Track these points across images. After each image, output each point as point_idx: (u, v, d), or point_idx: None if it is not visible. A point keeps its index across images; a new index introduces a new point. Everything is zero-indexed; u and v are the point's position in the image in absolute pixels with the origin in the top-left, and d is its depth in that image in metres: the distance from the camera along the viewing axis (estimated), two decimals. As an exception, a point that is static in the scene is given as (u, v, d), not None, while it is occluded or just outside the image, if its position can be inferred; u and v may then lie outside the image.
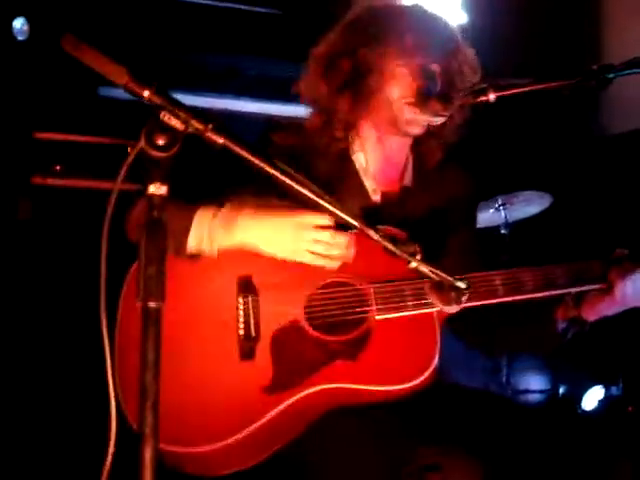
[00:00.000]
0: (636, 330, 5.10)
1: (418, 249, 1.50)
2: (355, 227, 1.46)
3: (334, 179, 2.20)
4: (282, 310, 1.99)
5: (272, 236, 1.96)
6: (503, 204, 4.83)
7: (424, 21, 2.22)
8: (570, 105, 5.63)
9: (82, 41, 1.30)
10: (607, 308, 2.02)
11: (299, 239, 1.93)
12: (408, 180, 2.33)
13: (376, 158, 2.29)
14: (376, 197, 2.27)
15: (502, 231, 4.98)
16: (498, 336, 2.24)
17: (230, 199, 2.03)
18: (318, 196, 1.42)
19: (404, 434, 1.90)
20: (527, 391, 6.00)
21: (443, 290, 1.57)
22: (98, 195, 4.04)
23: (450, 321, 2.10)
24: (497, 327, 2.20)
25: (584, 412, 5.55)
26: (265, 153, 1.43)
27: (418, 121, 2.17)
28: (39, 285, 3.97)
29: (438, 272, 1.49)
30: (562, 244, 5.59)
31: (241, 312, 1.99)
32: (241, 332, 1.98)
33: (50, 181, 4.26)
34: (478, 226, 4.96)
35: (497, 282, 2.02)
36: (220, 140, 1.37)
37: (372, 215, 2.19)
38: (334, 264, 1.96)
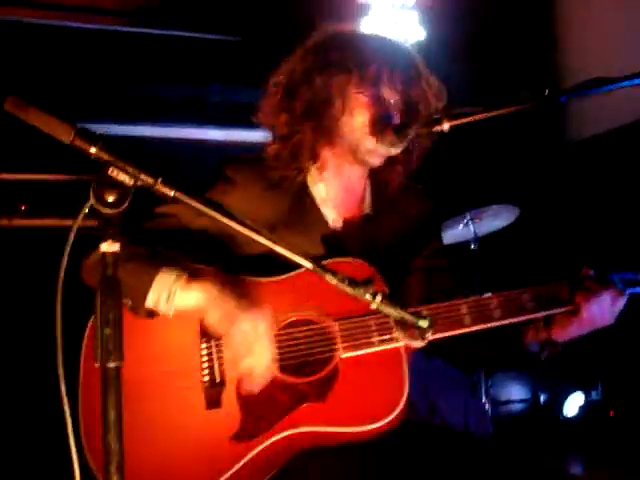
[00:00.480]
0: (612, 334, 5.12)
1: (380, 288, 1.48)
2: (311, 270, 1.43)
3: (294, 212, 2.17)
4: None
5: (224, 326, 1.88)
6: (472, 219, 4.84)
7: (386, 49, 2.18)
8: (534, 114, 5.68)
9: (25, 102, 1.28)
10: (576, 329, 2.02)
11: (238, 354, 1.87)
12: (368, 207, 2.29)
13: (336, 187, 2.24)
14: (337, 227, 2.22)
15: (472, 246, 4.98)
16: (472, 355, 2.22)
17: (194, 262, 2.00)
18: (272, 242, 1.40)
19: (381, 474, 1.87)
20: (509, 402, 6.01)
21: (407, 326, 1.55)
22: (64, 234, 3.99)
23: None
24: (470, 347, 2.18)
25: (566, 419, 5.56)
26: (216, 203, 1.41)
27: (378, 151, 2.14)
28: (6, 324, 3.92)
29: (400, 311, 1.47)
30: (532, 255, 5.62)
31: (205, 358, 1.95)
32: (205, 379, 1.93)
33: (16, 222, 4.21)
34: (448, 242, 5.06)
35: (463, 311, 2.00)
36: (171, 193, 1.35)
37: (334, 246, 2.15)
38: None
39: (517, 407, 6.07)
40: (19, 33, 5.04)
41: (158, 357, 1.95)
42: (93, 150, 1.32)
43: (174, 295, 1.88)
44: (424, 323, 1.48)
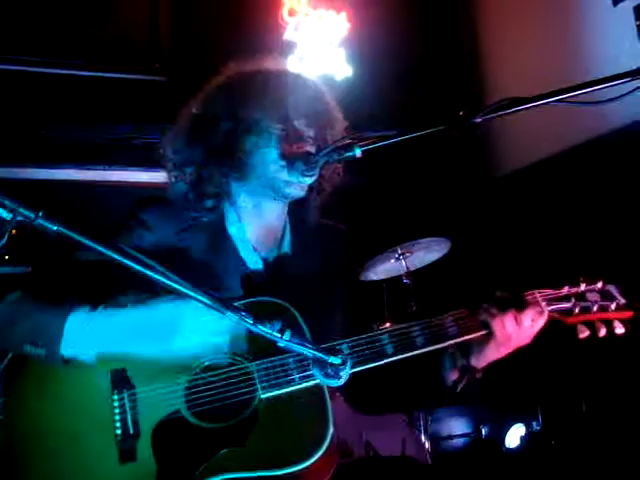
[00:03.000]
0: (549, 365, 5.16)
1: (290, 326, 1.40)
2: (221, 311, 1.35)
3: (212, 254, 2.11)
4: (161, 402, 1.85)
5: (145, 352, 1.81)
6: (402, 253, 4.81)
7: (295, 86, 2.15)
8: (458, 147, 5.76)
9: None
10: (494, 351, 1.99)
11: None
12: (287, 246, 2.24)
13: (254, 227, 2.19)
14: (256, 267, 2.17)
15: (405, 281, 4.95)
16: (389, 399, 2.18)
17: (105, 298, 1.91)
18: (173, 281, 1.31)
19: None
20: (450, 437, 5.96)
21: (322, 364, 1.47)
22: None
23: (344, 392, 2.01)
24: (386, 390, 2.14)
25: (508, 450, 5.54)
26: (105, 239, 1.31)
27: (294, 182, 2.09)
28: None
29: (310, 348, 1.39)
30: (466, 285, 5.63)
31: (117, 410, 1.84)
32: (118, 432, 1.82)
33: None
34: (380, 277, 5.03)
35: (385, 342, 1.93)
36: (53, 227, 1.24)
37: (254, 287, 2.10)
38: None
39: (459, 442, 6.03)
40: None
41: (69, 410, 1.84)
42: (-35, 183, 1.21)
43: (90, 343, 1.81)
44: (336, 360, 1.41)
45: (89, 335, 1.80)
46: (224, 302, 1.36)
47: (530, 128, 4.90)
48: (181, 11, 5.86)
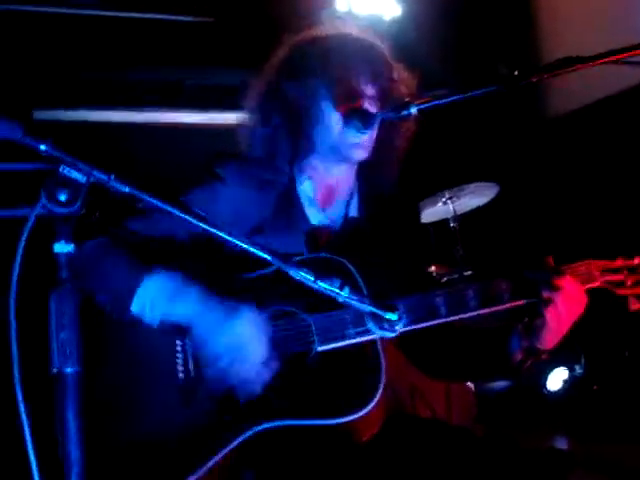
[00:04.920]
0: (595, 309, 5.14)
1: (350, 281, 1.46)
2: (275, 265, 1.41)
3: (279, 212, 2.18)
4: None
5: (208, 335, 1.85)
6: (450, 197, 4.83)
7: (351, 48, 2.19)
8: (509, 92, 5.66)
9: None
10: (555, 327, 1.98)
11: (227, 354, 1.83)
12: (354, 210, 2.30)
13: (322, 186, 2.27)
14: (321, 225, 2.23)
15: (451, 224, 4.97)
16: (454, 366, 2.21)
17: (181, 265, 1.96)
18: (237, 238, 1.37)
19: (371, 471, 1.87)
20: (492, 379, 6.03)
21: (379, 318, 1.53)
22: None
23: (405, 350, 2.09)
24: (452, 357, 2.18)
25: (549, 393, 5.58)
26: (175, 198, 1.37)
27: (360, 142, 2.15)
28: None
29: (368, 305, 1.45)
30: (513, 233, 5.63)
31: (179, 355, 1.93)
32: (181, 375, 1.91)
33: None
34: (427, 221, 5.05)
35: (439, 301, 1.98)
36: (125, 189, 1.30)
37: (315, 244, 2.16)
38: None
39: (501, 384, 6.09)
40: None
41: (135, 354, 1.94)
42: (43, 147, 1.28)
43: (158, 308, 1.88)
44: (392, 316, 1.47)
45: (159, 301, 1.88)
46: (287, 259, 1.41)
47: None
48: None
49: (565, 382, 5.57)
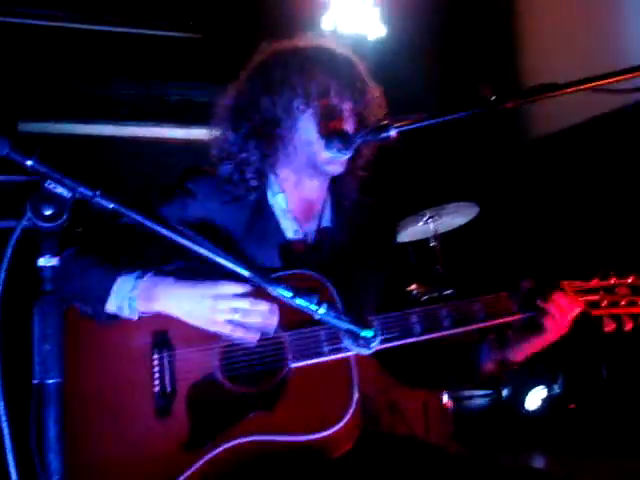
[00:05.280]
0: (574, 328, 5.17)
1: (325, 299, 1.49)
2: (251, 281, 1.44)
3: (253, 224, 2.19)
4: (198, 364, 1.96)
5: (190, 308, 1.91)
6: (431, 217, 4.87)
7: (330, 62, 2.19)
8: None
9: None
10: (534, 343, 2.02)
11: (217, 309, 1.88)
12: (327, 221, 2.30)
13: (295, 200, 2.26)
14: (296, 238, 2.24)
15: (432, 243, 5.02)
16: (426, 375, 2.24)
17: (153, 264, 2.01)
18: (215, 253, 1.40)
19: None
20: (471, 397, 6.06)
21: (354, 335, 1.56)
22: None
23: (379, 358, 2.10)
24: (424, 366, 2.20)
25: (528, 412, 5.62)
26: (156, 215, 1.41)
27: (337, 159, 2.15)
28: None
29: (344, 322, 1.48)
30: (492, 251, 5.68)
31: (156, 368, 1.95)
32: (156, 389, 1.94)
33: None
34: (407, 240, 5.09)
35: (413, 320, 2.01)
36: (110, 205, 1.33)
37: (291, 258, 2.17)
38: (253, 335, 1.90)
39: (479, 402, 6.12)
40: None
41: (112, 363, 1.96)
42: (29, 163, 1.30)
43: (135, 300, 1.91)
44: (368, 333, 1.50)
45: (134, 299, 1.92)
46: (265, 275, 1.44)
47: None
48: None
49: (543, 401, 5.60)
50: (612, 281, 2.08)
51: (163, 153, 5.64)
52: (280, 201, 2.25)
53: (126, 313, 1.92)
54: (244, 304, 1.87)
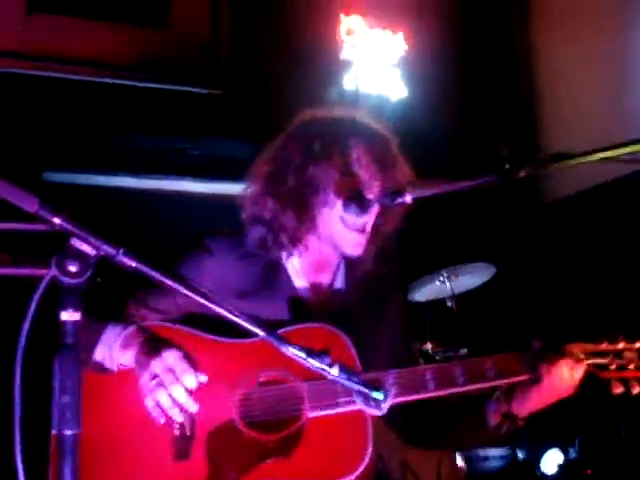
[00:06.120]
0: (591, 393, 5.12)
1: (338, 358, 1.52)
2: (270, 340, 1.48)
3: (264, 280, 2.25)
4: (217, 409, 2.00)
5: (140, 371, 1.94)
6: (448, 276, 4.89)
7: (367, 137, 2.25)
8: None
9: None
10: (537, 401, 2.04)
11: (151, 383, 1.89)
12: (340, 283, 2.36)
13: (309, 262, 2.32)
14: (307, 297, 2.29)
15: (448, 304, 5.03)
16: (434, 434, 2.27)
17: (139, 319, 2.10)
18: (233, 314, 1.43)
19: None
20: (486, 458, 5.99)
21: (365, 396, 1.59)
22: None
23: (388, 419, 2.12)
24: (432, 425, 2.23)
25: (543, 475, 5.54)
26: (178, 275, 1.45)
27: (359, 243, 2.22)
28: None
29: (356, 383, 1.51)
30: (508, 312, 5.67)
31: None
32: (176, 432, 1.98)
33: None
34: (424, 299, 5.10)
35: (427, 377, 2.05)
36: (132, 264, 1.38)
37: (302, 314, 2.22)
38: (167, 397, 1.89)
39: (495, 464, 6.05)
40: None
41: (132, 407, 1.99)
42: (57, 221, 1.35)
43: (114, 351, 1.98)
44: (379, 395, 1.53)
45: (115, 350, 1.98)
46: (279, 336, 1.48)
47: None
48: (240, 26, 5.99)
49: (559, 465, 5.53)
50: (620, 345, 2.10)
51: (183, 206, 5.73)
52: (295, 263, 2.31)
53: (108, 365, 1.99)
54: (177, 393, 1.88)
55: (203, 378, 1.90)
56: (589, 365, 2.06)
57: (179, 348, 1.92)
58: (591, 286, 5.27)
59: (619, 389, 2.05)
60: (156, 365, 1.89)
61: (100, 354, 1.99)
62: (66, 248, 1.34)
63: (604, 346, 2.10)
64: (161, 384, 1.87)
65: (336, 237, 2.22)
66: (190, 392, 1.87)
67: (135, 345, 1.97)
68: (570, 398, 2.04)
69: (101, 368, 2.00)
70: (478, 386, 2.06)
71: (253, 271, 2.25)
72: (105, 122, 5.47)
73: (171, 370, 1.87)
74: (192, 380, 1.87)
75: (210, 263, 2.22)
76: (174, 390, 1.86)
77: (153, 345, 1.94)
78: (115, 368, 1.99)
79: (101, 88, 5.49)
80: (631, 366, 2.06)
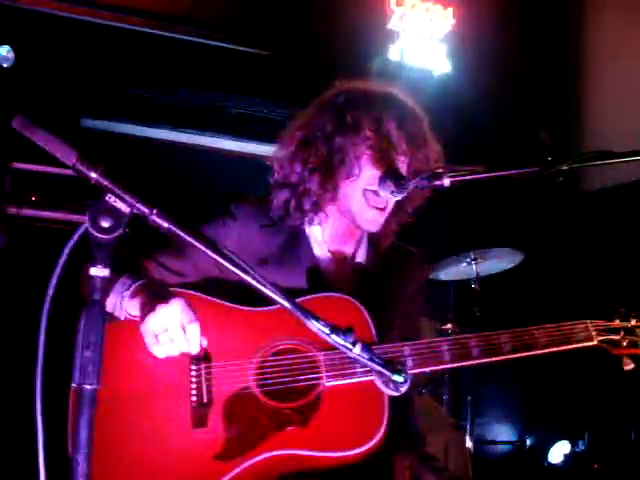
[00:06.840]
0: (602, 388, 5.13)
1: (361, 335, 1.52)
2: (295, 312, 1.47)
3: (286, 248, 2.28)
4: (234, 378, 2.02)
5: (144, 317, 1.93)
6: (475, 259, 4.87)
7: (400, 112, 2.25)
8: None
9: (32, 122, 1.31)
10: None
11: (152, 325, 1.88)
12: (361, 257, 2.37)
13: (332, 234, 2.34)
14: (328, 267, 2.31)
15: (473, 285, 5.01)
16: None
17: (152, 273, 2.15)
18: (260, 283, 1.43)
19: None
20: (494, 442, 6.01)
21: (385, 377, 1.59)
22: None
23: None
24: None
25: (550, 465, 5.56)
26: (209, 239, 1.45)
27: (377, 221, 2.24)
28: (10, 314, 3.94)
29: (378, 364, 1.51)
30: (533, 298, 5.64)
31: (194, 379, 2.01)
32: (193, 399, 2.00)
33: (25, 211, 4.25)
34: (448, 279, 5.09)
35: (444, 348, 2.08)
36: (165, 224, 1.38)
37: (321, 283, 2.24)
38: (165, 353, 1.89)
39: (502, 448, 6.07)
40: (49, 25, 5.10)
41: (149, 374, 2.01)
42: (93, 175, 1.35)
43: (124, 300, 2.00)
44: (399, 378, 1.52)
45: (124, 300, 2.01)
46: (304, 309, 1.47)
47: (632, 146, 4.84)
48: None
49: (566, 456, 5.54)
50: (632, 322, 2.18)
51: (217, 163, 5.73)
52: (316, 232, 2.33)
53: (117, 314, 2.01)
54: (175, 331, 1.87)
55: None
56: (599, 342, 2.15)
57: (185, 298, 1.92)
58: (617, 278, 5.24)
59: (630, 365, 2.13)
60: (162, 308, 1.87)
61: (111, 304, 2.01)
62: (100, 203, 1.34)
63: (616, 323, 2.18)
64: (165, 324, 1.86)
65: (355, 211, 2.24)
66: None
67: (143, 294, 1.98)
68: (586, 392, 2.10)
69: (110, 318, 2.00)
70: (494, 359, 2.09)
71: (275, 239, 2.27)
72: (148, 74, 5.46)
73: (177, 314, 1.87)
74: (195, 328, 1.87)
75: (234, 229, 2.25)
76: (177, 330, 1.85)
77: (162, 294, 1.94)
78: (122, 317, 2.01)
79: (147, 39, 5.46)
80: None
